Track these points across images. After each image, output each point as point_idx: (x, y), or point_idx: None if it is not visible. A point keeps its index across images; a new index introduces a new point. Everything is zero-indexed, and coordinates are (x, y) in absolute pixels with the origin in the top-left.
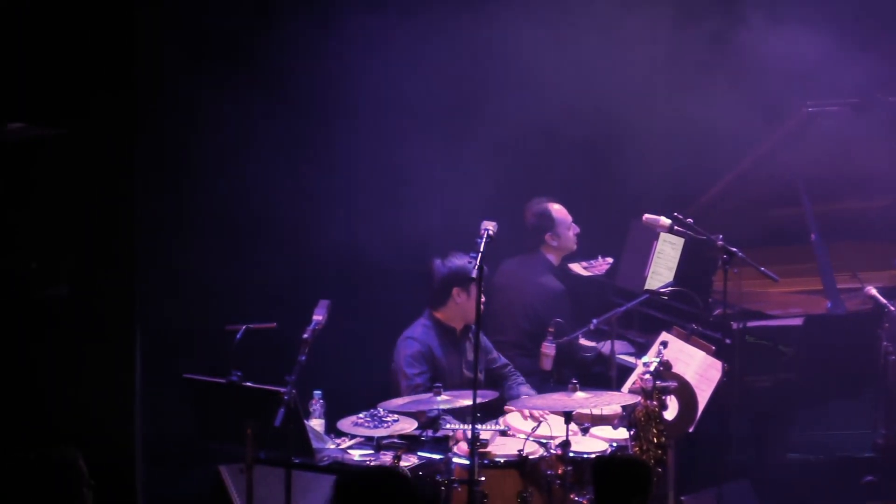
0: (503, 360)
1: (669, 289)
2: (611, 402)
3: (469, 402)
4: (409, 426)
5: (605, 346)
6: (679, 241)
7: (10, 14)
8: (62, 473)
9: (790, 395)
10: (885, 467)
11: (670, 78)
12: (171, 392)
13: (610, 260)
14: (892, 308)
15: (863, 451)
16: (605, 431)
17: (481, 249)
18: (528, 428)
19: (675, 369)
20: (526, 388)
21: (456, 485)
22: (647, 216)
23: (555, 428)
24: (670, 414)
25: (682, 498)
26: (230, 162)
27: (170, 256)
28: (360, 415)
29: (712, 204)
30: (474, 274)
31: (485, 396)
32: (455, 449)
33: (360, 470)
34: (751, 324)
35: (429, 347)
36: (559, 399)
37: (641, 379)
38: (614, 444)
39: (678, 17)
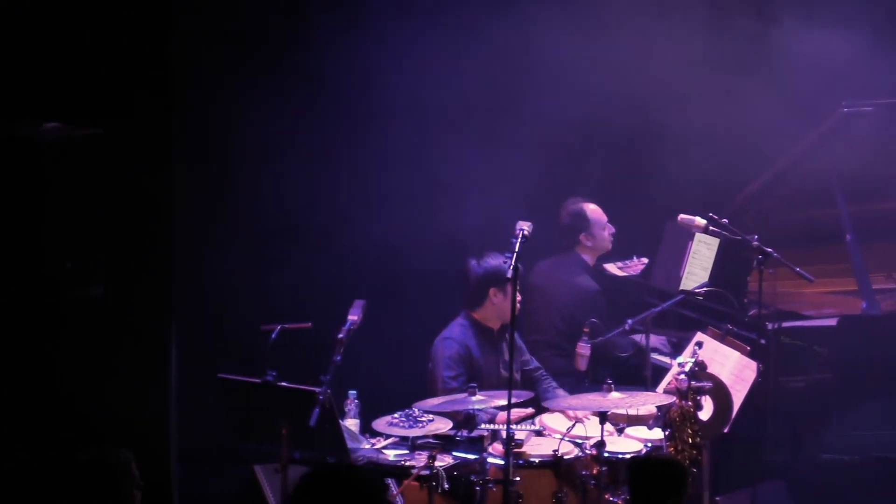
0: (535, 363)
1: (704, 289)
2: (646, 403)
3: (505, 401)
4: (444, 426)
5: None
6: (714, 242)
7: (49, 15)
8: (115, 476)
9: (825, 395)
10: None
11: (706, 78)
12: (206, 392)
13: (645, 260)
14: None
15: None
16: (640, 432)
17: (517, 249)
18: (564, 428)
19: (710, 370)
20: (561, 392)
21: (491, 485)
22: (682, 216)
23: (590, 428)
24: (705, 414)
25: (717, 498)
26: (267, 162)
27: (205, 256)
28: (396, 415)
29: (748, 204)
30: (510, 274)
31: (520, 396)
32: (490, 449)
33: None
34: (786, 324)
35: (467, 348)
36: (594, 399)
37: (676, 379)
38: (649, 445)
39: (713, 18)
